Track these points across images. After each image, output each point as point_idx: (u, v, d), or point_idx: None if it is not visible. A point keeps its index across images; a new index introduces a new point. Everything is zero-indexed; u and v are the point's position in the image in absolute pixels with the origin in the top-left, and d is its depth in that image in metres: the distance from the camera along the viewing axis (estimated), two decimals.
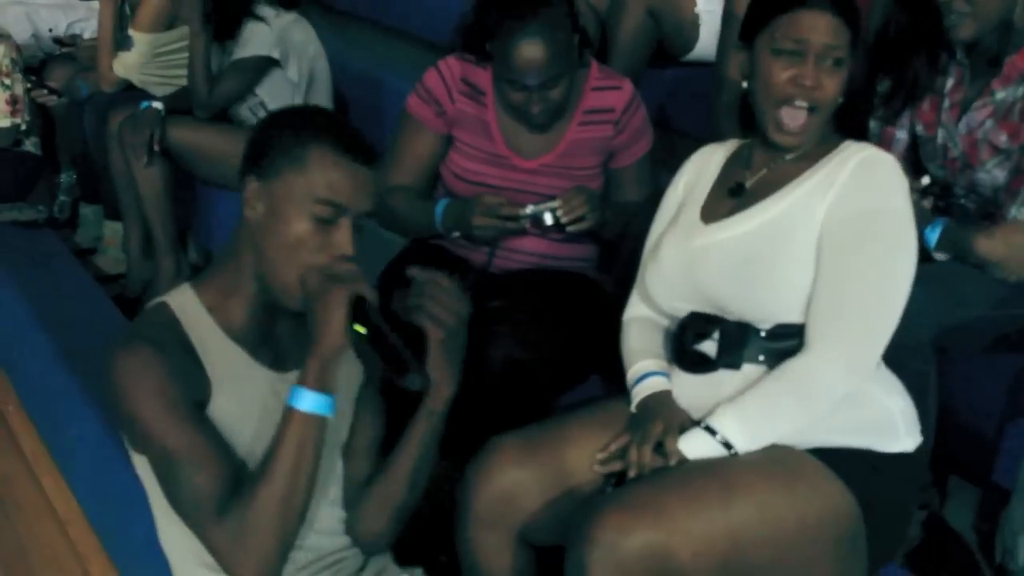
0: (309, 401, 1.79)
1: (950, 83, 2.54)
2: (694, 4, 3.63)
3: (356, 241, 1.83)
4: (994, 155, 2.47)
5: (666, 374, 2.16)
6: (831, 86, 2.05)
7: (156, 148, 3.72)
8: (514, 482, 2.10)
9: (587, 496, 2.08)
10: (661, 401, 2.11)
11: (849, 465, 1.97)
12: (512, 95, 2.63)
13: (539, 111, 2.62)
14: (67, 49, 4.74)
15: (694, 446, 2.00)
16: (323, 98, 3.93)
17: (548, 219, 2.64)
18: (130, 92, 4.10)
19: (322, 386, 1.79)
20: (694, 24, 3.64)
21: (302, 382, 1.79)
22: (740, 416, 1.99)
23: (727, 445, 1.97)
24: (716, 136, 2.95)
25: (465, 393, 2.15)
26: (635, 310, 2.30)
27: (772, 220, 2.05)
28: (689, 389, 2.11)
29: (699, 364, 2.10)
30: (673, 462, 1.99)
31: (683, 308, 2.15)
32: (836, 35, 2.03)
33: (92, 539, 3.04)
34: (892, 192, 2.03)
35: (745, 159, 2.20)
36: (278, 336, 1.97)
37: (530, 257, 2.79)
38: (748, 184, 2.15)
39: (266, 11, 3.80)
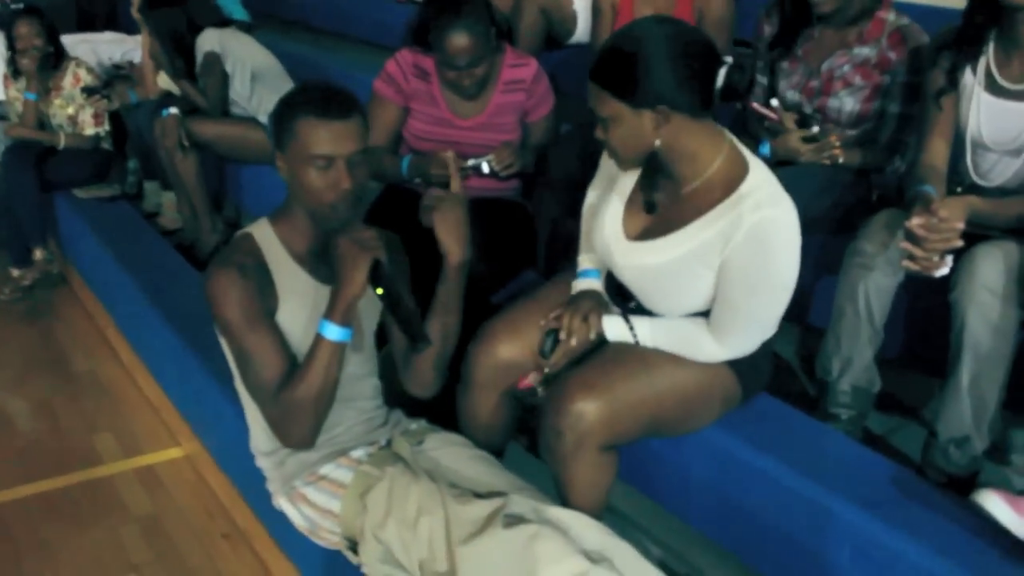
0: (334, 333, 1.71)
1: (807, 37, 2.42)
2: (571, 3, 3.50)
3: (358, 174, 1.73)
4: (845, 87, 2.35)
5: (599, 275, 2.00)
6: None
7: (186, 143, 3.54)
8: (503, 356, 1.98)
9: None
10: (591, 294, 1.97)
11: None
12: (447, 73, 2.50)
13: (468, 84, 2.50)
14: (123, 71, 4.47)
15: (612, 327, 1.90)
16: (276, 89, 3.65)
17: (485, 168, 2.54)
18: (169, 98, 3.83)
19: (343, 322, 1.71)
20: (573, 18, 3.52)
21: (328, 317, 1.71)
22: (652, 330, 1.87)
23: (634, 336, 1.87)
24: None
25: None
26: (591, 194, 2.05)
27: (676, 259, 1.76)
28: None
29: (623, 307, 1.94)
30: (593, 335, 1.90)
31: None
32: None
33: (178, 419, 2.93)
34: (780, 254, 1.72)
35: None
36: (330, 257, 1.79)
37: (476, 191, 2.64)
38: (659, 200, 1.83)
39: (205, 31, 3.65)
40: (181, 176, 3.61)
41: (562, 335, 1.91)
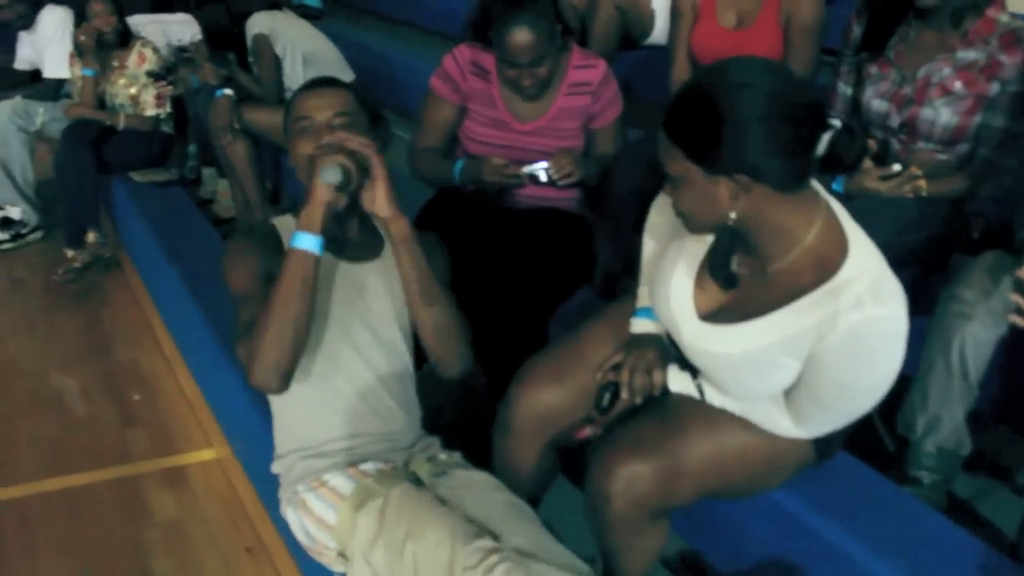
0: (302, 241, 1.64)
1: (901, 38, 2.16)
2: (650, 2, 3.31)
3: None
4: (943, 95, 2.08)
5: None
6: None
7: (236, 126, 3.45)
8: (547, 403, 1.78)
9: None
10: (654, 341, 1.74)
11: None
12: (507, 72, 2.33)
13: (529, 84, 2.33)
14: (187, 54, 4.41)
15: (678, 382, 1.69)
16: (330, 71, 3.53)
17: (542, 176, 2.36)
18: (227, 83, 3.73)
19: (311, 228, 1.64)
20: (650, 18, 3.33)
21: (298, 227, 1.65)
22: (723, 397, 1.65)
23: (701, 393, 1.66)
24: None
25: (491, 308, 2.00)
26: (656, 217, 1.81)
27: (760, 349, 1.48)
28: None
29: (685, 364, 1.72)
30: (657, 392, 1.70)
31: None
32: None
33: (213, 420, 2.83)
34: (878, 358, 1.45)
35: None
36: (349, 236, 1.83)
37: (530, 199, 2.48)
38: (740, 273, 1.54)
39: (253, 16, 3.58)
40: (232, 161, 3.52)
41: (624, 392, 1.70)
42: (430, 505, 1.61)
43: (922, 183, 2.05)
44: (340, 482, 1.74)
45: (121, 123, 3.97)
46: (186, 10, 5.05)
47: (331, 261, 1.78)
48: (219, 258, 1.80)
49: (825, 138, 1.36)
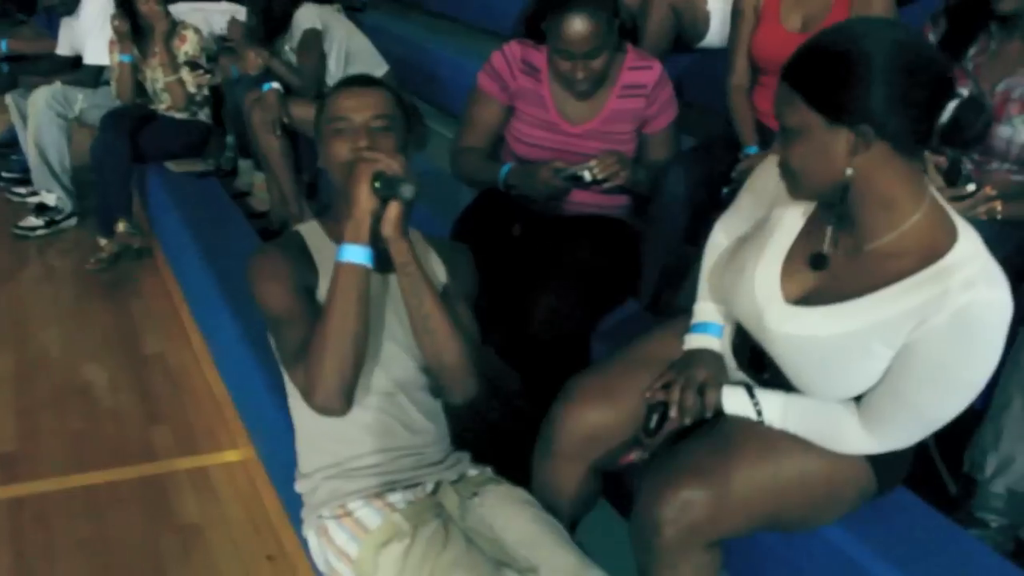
0: (349, 253, 1.58)
1: (981, 49, 2.02)
2: (705, 2, 3.19)
3: (378, 140, 1.66)
4: (1023, 111, 1.95)
5: (720, 331, 1.68)
6: None
7: (286, 120, 3.40)
8: (594, 423, 1.68)
9: None
10: (708, 358, 1.65)
11: None
12: (561, 64, 2.23)
13: (583, 78, 2.22)
14: (229, 43, 4.35)
15: (733, 402, 1.58)
16: (369, 69, 3.50)
17: (587, 176, 2.24)
18: (269, 74, 3.65)
19: (358, 239, 1.57)
20: (705, 19, 3.20)
21: (343, 239, 1.59)
22: (785, 413, 1.54)
23: (759, 413, 1.55)
24: (724, 110, 2.58)
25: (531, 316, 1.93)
26: (721, 237, 1.73)
27: (852, 333, 1.39)
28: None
29: (752, 375, 1.63)
30: (709, 414, 1.60)
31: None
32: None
33: (238, 419, 2.76)
34: (986, 345, 1.35)
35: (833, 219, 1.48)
36: (378, 245, 1.65)
37: (575, 205, 2.38)
38: (831, 255, 1.46)
39: (304, 5, 3.50)
40: (268, 155, 3.46)
41: (672, 412, 1.60)
42: (456, 553, 1.53)
43: (997, 204, 1.91)
44: (366, 514, 1.65)
45: (163, 105, 3.92)
46: None
47: None
48: (246, 272, 1.71)
49: (950, 106, 1.28)
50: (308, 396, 1.60)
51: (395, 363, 1.70)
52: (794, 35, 2.35)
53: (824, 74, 1.30)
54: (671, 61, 3.29)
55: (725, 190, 2.29)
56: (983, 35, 2.01)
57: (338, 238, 1.66)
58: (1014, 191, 1.97)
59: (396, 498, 1.68)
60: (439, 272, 1.80)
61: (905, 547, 1.61)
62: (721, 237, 1.73)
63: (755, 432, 1.54)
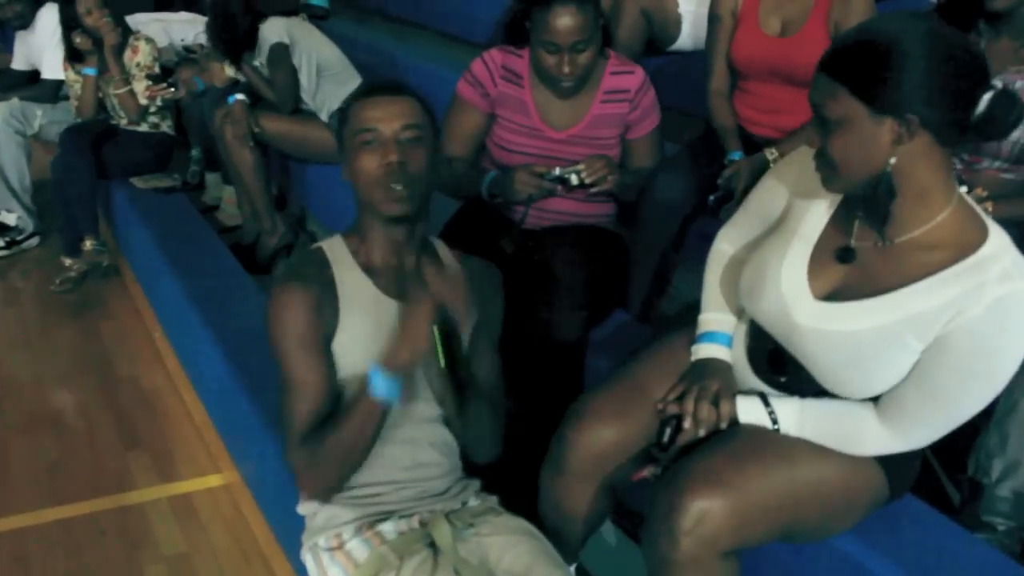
0: (383, 389, 1.49)
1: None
2: (676, 5, 3.17)
3: (409, 152, 1.56)
4: None
5: (728, 340, 1.64)
6: None
7: (256, 130, 3.31)
8: (607, 441, 1.64)
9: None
10: (719, 367, 1.61)
11: None
12: (546, 59, 2.18)
13: (568, 72, 2.17)
14: (193, 55, 4.24)
15: (749, 412, 1.55)
16: (341, 83, 3.41)
17: (574, 179, 2.20)
18: (236, 86, 3.56)
19: (399, 370, 1.49)
20: (677, 22, 3.18)
21: (384, 366, 1.48)
22: (801, 419, 1.52)
23: (774, 422, 1.53)
24: (703, 113, 2.55)
25: (521, 330, 1.86)
26: (725, 245, 1.71)
27: (884, 327, 1.38)
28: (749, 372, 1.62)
29: (766, 377, 1.58)
30: (724, 424, 1.56)
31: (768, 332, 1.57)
32: None
33: (220, 442, 2.67)
34: (1016, 339, 1.34)
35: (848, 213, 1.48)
36: (405, 271, 1.65)
37: (560, 215, 2.33)
38: (857, 247, 1.45)
39: (270, 19, 3.37)
40: (239, 169, 3.36)
41: (686, 423, 1.56)
42: None
43: (989, 205, 1.90)
44: (355, 546, 1.60)
45: (123, 121, 3.81)
46: (188, 8, 4.90)
47: (378, 299, 1.62)
48: (266, 305, 1.60)
49: (986, 97, 1.29)
50: (302, 483, 1.58)
51: (415, 403, 1.62)
52: (773, 39, 2.32)
53: (870, 65, 1.29)
54: (643, 64, 3.27)
55: (712, 197, 2.26)
56: (972, 34, 2.00)
57: (367, 265, 1.62)
58: (1005, 191, 1.96)
59: (387, 528, 1.63)
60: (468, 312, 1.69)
61: (914, 554, 1.59)
62: (725, 246, 1.71)
63: (770, 440, 1.52)
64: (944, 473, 1.93)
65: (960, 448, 1.97)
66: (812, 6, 2.29)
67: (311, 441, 1.55)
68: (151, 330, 3.39)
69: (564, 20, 2.10)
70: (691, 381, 1.59)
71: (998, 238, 1.36)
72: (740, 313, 1.65)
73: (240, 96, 3.31)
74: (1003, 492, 1.72)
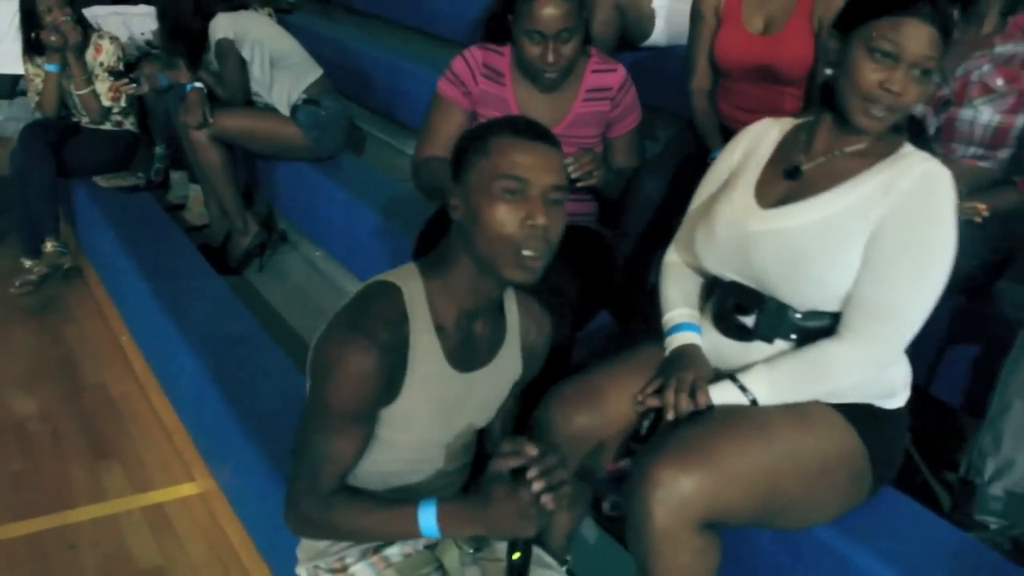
0: (429, 530, 1.38)
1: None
2: (651, 1, 3.13)
3: (554, 216, 1.35)
4: (983, 94, 1.97)
5: (697, 328, 1.66)
6: (914, 94, 1.46)
7: (210, 120, 3.21)
8: (577, 427, 1.64)
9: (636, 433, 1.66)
10: (692, 354, 1.63)
11: (859, 416, 1.56)
12: (531, 49, 2.12)
13: (553, 62, 2.11)
14: (155, 50, 4.11)
15: (723, 395, 1.56)
16: (299, 76, 3.33)
17: None
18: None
19: (447, 534, 1.40)
20: (651, 18, 3.16)
21: (443, 525, 1.37)
22: (771, 381, 1.55)
23: (753, 401, 1.55)
24: (686, 111, 2.52)
25: None
26: (675, 256, 1.77)
27: (828, 218, 1.49)
28: (721, 346, 1.63)
29: (737, 333, 1.60)
30: (703, 406, 1.56)
31: (728, 275, 1.62)
32: (933, 47, 1.44)
33: (193, 448, 2.59)
34: (945, 209, 1.47)
35: (803, 143, 1.60)
36: (473, 335, 1.47)
37: None
38: (805, 167, 1.57)
39: (217, 16, 3.29)
40: (206, 168, 3.26)
41: (669, 415, 1.55)
42: None
43: (980, 207, 1.88)
44: (360, 569, 1.53)
45: (84, 119, 3.68)
46: (148, 1, 4.75)
47: (445, 371, 1.44)
48: (325, 355, 1.37)
49: None
50: (289, 518, 1.46)
51: (446, 451, 1.53)
52: (757, 37, 2.30)
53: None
54: (618, 60, 3.24)
55: None
56: None
57: (442, 325, 1.41)
58: (980, 180, 1.98)
59: (393, 551, 1.55)
60: (514, 370, 1.57)
61: (908, 553, 1.58)
62: (674, 257, 1.76)
63: (743, 413, 1.54)
64: (931, 474, 1.92)
65: (947, 448, 1.98)
66: (795, 3, 2.27)
67: (329, 500, 1.42)
68: (117, 334, 3.27)
69: (549, 9, 2.06)
70: (668, 373, 1.60)
71: (910, 143, 1.55)
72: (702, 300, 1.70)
73: (198, 84, 3.22)
74: (996, 491, 1.71)
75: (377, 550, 1.55)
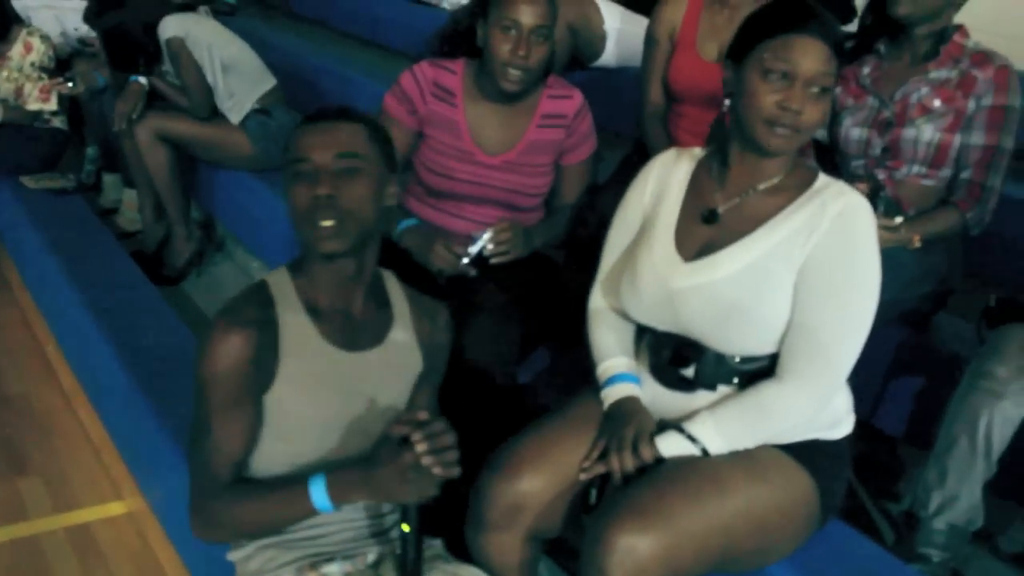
0: (322, 502, 1.41)
1: (874, 67, 2.10)
2: (603, 22, 3.16)
3: (343, 187, 1.44)
4: (923, 114, 2.01)
5: (635, 378, 1.62)
6: (814, 113, 1.45)
7: (135, 117, 3.08)
8: (523, 493, 1.58)
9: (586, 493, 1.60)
10: (631, 408, 1.58)
11: (808, 456, 1.54)
12: (502, 44, 2.04)
13: (523, 56, 2.04)
14: (90, 48, 3.95)
15: (671, 446, 1.52)
16: (252, 83, 3.23)
17: (481, 245, 2.09)
18: None
19: (338, 503, 1.41)
20: (602, 39, 3.18)
21: (333, 493, 1.40)
22: (720, 430, 1.51)
23: (704, 452, 1.51)
24: (636, 132, 2.51)
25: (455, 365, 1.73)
26: (601, 301, 1.72)
27: (753, 264, 1.48)
28: (662, 396, 1.60)
29: (679, 384, 1.57)
30: (648, 460, 1.52)
31: (659, 328, 1.59)
32: (826, 62, 1.44)
33: (122, 466, 2.47)
34: (867, 243, 1.47)
35: (716, 180, 1.58)
36: (353, 316, 1.53)
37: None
38: (721, 210, 1.55)
39: (164, 19, 3.17)
40: (150, 169, 3.12)
41: (617, 479, 1.52)
42: None
43: (915, 237, 1.90)
44: None
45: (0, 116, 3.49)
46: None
47: (322, 348, 1.49)
48: (199, 344, 1.46)
49: None
50: (193, 527, 1.48)
51: (356, 446, 1.50)
52: (711, 64, 2.30)
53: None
54: (567, 79, 3.22)
55: None
56: (874, 56, 2.10)
57: (314, 309, 1.49)
58: (927, 202, 2.03)
59: (333, 569, 1.51)
60: (413, 361, 1.60)
61: None
62: (599, 302, 1.71)
63: (695, 468, 1.50)
64: (879, 515, 1.94)
65: (887, 478, 2.00)
66: None
67: (224, 495, 1.45)
68: (42, 343, 3.12)
69: (529, 2, 2.02)
70: (609, 433, 1.55)
71: (824, 174, 1.55)
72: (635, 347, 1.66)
73: (142, 79, 3.09)
74: (939, 525, 1.72)
75: (314, 567, 1.49)
